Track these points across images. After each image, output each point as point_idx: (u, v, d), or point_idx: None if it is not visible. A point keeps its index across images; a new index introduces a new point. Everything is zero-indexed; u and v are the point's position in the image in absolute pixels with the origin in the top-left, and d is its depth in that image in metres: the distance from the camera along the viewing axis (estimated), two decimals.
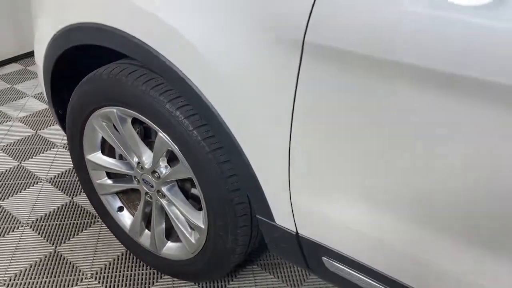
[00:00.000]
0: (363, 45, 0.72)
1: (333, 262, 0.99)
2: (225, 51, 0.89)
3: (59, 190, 1.66)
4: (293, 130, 0.88)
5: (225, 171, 1.05)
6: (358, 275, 0.97)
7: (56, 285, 1.34)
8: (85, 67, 1.30)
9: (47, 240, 1.45)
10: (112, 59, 1.22)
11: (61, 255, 1.41)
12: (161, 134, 1.12)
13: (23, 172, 1.75)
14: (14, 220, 1.51)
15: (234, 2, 0.85)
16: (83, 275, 1.38)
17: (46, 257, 1.40)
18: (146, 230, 1.41)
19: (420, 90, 0.69)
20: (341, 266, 0.99)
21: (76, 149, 1.39)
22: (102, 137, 1.34)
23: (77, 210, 1.57)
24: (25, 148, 1.86)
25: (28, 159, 1.81)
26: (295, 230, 1.00)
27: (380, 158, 0.80)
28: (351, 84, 0.76)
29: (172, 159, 1.21)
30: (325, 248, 0.98)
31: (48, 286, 1.33)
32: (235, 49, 0.88)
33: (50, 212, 1.55)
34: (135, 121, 1.24)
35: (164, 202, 1.29)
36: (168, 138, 1.11)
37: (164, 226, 1.36)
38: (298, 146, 0.89)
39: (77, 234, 1.49)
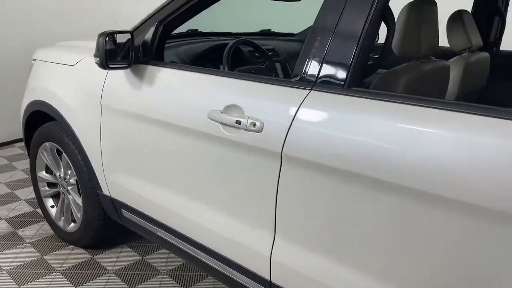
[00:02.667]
0: (126, 106, 1.86)
1: (127, 212, 2.03)
2: (82, 113, 2.06)
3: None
4: (101, 144, 2.00)
5: (86, 171, 2.15)
6: (145, 221, 1.96)
7: None
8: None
9: None
10: None
11: None
12: (64, 154, 2.26)
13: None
14: None
15: (81, 85, 2.04)
16: None
17: None
18: (62, 217, 2.48)
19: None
20: (132, 215, 2.01)
21: (33, 169, 2.55)
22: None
23: None
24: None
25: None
26: (109, 195, 2.07)
27: (142, 157, 1.87)
28: (123, 125, 1.88)
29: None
30: (122, 204, 2.03)
31: None
32: (85, 111, 2.04)
33: None
34: (59, 152, 2.39)
35: (70, 197, 2.38)
36: (67, 157, 2.25)
37: (70, 213, 2.43)
38: (104, 149, 2.00)
39: None
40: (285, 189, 1.34)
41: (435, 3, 1.53)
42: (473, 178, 0.97)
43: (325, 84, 1.27)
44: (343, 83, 1.23)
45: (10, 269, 2.26)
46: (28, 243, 2.50)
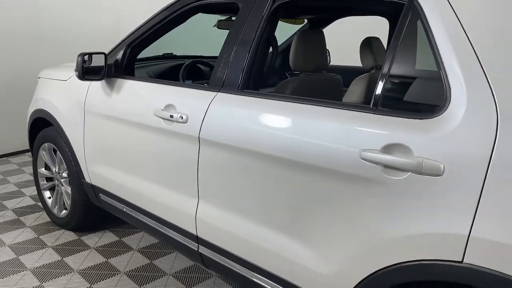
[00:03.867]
0: (101, 110, 2.42)
1: (103, 195, 2.55)
2: (71, 117, 2.62)
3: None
4: (84, 141, 2.54)
5: (73, 164, 2.70)
6: (115, 201, 2.49)
7: None
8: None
9: None
10: None
11: None
12: (58, 152, 2.82)
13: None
14: None
15: (70, 96, 2.61)
16: None
17: None
18: (56, 205, 3.02)
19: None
20: (107, 198, 2.53)
21: (35, 166, 3.11)
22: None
23: None
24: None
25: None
26: (90, 182, 2.60)
27: (112, 149, 2.42)
28: (99, 125, 2.44)
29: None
30: (100, 188, 2.55)
31: None
32: (73, 116, 2.60)
33: None
34: (55, 152, 2.94)
35: (62, 188, 2.93)
36: (60, 154, 2.80)
37: (63, 202, 2.97)
38: (86, 145, 2.54)
39: None
40: (202, 163, 1.85)
41: (322, 32, 2.06)
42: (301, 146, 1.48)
43: (227, 87, 1.80)
44: (237, 86, 1.76)
45: (12, 244, 2.79)
46: (28, 226, 3.04)
